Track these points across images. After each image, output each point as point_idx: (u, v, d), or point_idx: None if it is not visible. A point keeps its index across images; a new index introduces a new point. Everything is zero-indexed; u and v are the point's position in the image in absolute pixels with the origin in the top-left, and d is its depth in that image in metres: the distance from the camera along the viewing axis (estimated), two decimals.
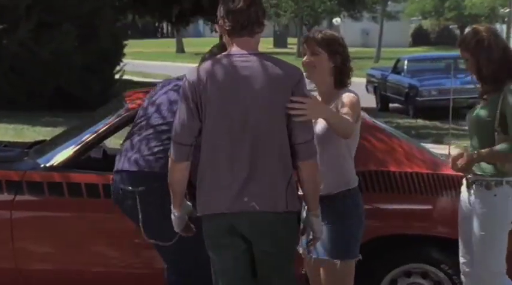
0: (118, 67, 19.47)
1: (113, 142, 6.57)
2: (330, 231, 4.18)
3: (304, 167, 3.85)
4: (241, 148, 3.77)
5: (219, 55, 3.89)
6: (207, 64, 3.84)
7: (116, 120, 5.22)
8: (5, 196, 5.01)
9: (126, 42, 20.32)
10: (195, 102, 3.77)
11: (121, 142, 6.43)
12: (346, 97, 4.16)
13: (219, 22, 3.87)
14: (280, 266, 3.92)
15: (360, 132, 4.33)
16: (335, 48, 4.23)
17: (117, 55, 19.20)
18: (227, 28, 3.82)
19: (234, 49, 3.83)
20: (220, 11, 3.84)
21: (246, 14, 3.79)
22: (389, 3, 53.34)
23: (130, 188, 4.51)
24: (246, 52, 3.81)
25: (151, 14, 24.76)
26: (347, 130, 4.00)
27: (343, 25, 61.47)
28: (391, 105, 21.54)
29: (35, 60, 16.72)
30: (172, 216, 4.02)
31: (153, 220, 4.47)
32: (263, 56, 3.85)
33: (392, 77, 21.37)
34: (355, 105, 4.13)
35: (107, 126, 5.19)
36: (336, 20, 61.51)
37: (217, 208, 3.82)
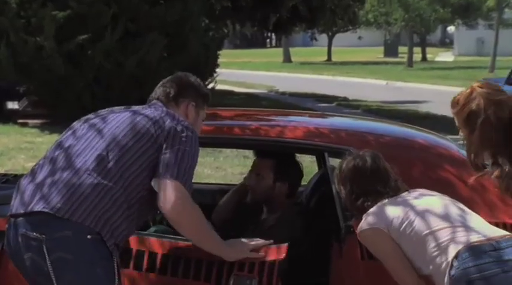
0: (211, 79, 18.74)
1: None
2: None
3: None
4: None
5: None
6: None
7: None
8: None
9: (220, 52, 19.57)
10: None
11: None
12: None
13: None
14: None
15: None
16: None
17: (209, 65, 18.42)
18: None
19: None
20: None
21: None
22: (506, 10, 51.13)
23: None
24: None
25: (251, 23, 24.16)
26: None
27: (457, 33, 59.47)
28: None
29: (120, 71, 15.95)
30: None
31: None
32: None
33: (507, 89, 19.49)
34: None
35: None
36: (450, 28, 59.81)
37: None
